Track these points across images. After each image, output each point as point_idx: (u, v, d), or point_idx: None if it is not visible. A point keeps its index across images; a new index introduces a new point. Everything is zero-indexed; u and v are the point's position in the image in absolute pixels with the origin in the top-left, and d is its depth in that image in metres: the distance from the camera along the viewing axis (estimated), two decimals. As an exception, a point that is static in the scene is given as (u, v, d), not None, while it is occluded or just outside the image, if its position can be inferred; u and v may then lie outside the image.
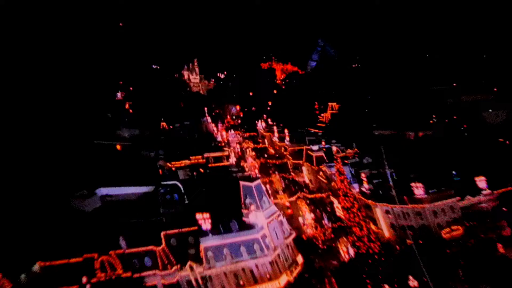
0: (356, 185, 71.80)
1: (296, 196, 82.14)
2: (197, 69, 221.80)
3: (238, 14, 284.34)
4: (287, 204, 79.87)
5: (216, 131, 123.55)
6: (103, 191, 61.93)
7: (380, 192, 66.53)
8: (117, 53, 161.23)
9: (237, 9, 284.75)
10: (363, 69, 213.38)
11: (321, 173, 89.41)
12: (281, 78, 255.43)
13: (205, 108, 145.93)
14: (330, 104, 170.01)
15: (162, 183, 65.74)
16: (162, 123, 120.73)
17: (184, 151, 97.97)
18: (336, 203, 73.12)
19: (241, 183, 58.04)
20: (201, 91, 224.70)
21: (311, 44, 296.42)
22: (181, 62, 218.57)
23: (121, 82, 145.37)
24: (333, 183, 77.98)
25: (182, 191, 64.73)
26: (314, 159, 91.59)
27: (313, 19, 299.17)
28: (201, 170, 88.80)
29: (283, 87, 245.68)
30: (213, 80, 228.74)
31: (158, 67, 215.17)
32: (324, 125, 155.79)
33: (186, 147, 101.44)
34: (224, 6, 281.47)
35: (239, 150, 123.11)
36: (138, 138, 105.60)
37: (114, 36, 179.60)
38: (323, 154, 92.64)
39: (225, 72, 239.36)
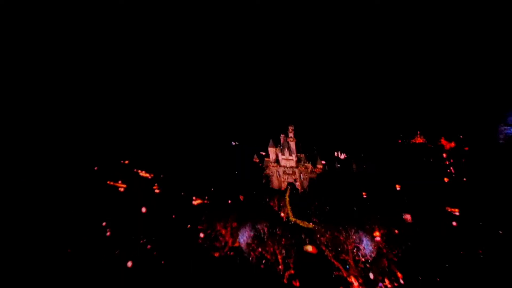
0: None
1: None
2: (292, 144, 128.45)
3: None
4: None
5: None
6: None
7: None
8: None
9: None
10: None
11: None
12: (443, 158, 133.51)
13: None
14: None
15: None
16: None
17: None
18: None
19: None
20: (297, 182, 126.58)
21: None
22: (268, 132, 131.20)
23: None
24: None
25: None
26: None
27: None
28: None
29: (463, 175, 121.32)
30: (323, 162, 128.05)
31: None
32: None
33: None
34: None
35: None
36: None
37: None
38: None
39: (345, 153, 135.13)
